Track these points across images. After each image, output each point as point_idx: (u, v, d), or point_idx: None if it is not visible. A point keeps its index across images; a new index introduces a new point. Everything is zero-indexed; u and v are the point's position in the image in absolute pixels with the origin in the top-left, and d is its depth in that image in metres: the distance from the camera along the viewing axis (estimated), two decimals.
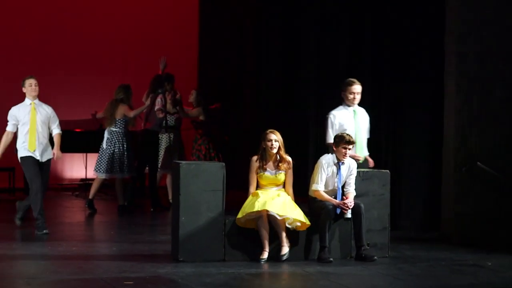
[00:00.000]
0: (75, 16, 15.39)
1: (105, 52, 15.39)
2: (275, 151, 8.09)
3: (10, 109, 14.68)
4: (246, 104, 14.55)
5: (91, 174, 13.06)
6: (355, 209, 8.14)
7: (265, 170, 8.11)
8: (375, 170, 8.63)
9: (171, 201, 10.48)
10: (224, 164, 8.20)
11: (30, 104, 9.66)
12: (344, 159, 8.23)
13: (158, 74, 11.99)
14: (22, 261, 7.73)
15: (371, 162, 8.94)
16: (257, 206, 7.85)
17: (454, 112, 9.60)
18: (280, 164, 8.12)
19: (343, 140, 8.20)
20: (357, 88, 8.77)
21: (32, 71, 14.88)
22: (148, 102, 11.74)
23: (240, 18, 14.84)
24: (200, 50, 16.12)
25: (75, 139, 14.04)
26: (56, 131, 9.76)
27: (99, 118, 12.34)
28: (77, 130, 14.12)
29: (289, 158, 8.19)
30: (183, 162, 8.28)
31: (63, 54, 15.29)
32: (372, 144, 9.14)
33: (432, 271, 7.75)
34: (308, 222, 8.00)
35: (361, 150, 8.77)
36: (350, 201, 8.11)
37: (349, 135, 8.26)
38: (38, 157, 9.54)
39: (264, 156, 8.14)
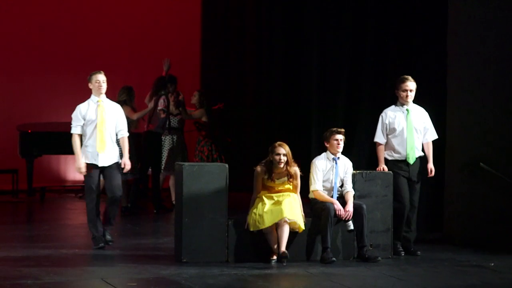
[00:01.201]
0: (79, 18, 15.44)
1: (108, 54, 15.40)
2: (282, 165, 7.99)
3: (13, 107, 14.83)
4: (249, 105, 14.57)
5: None
6: (357, 210, 8.17)
7: (272, 180, 8.04)
8: (378, 171, 8.61)
9: (174, 202, 10.49)
10: (227, 165, 8.21)
11: (97, 102, 8.74)
12: (338, 150, 8.28)
13: (161, 75, 12.03)
14: (26, 263, 7.72)
15: (430, 170, 8.71)
16: (268, 221, 7.83)
17: (457, 113, 9.62)
18: (287, 177, 8.05)
19: (331, 132, 8.29)
20: (409, 85, 8.52)
21: (35, 72, 15.09)
22: (151, 105, 11.76)
23: (242, 20, 14.85)
24: (202, 52, 16.14)
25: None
26: (123, 133, 8.84)
27: None
28: None
29: (296, 170, 8.10)
30: (186, 163, 8.28)
31: (67, 56, 15.33)
32: (374, 144, 9.09)
33: (435, 272, 7.75)
34: (302, 227, 8.00)
35: (412, 150, 8.54)
36: (348, 209, 8.14)
37: (336, 128, 8.35)
38: (102, 162, 8.66)
39: (271, 168, 8.04)
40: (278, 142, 8.05)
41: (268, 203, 7.93)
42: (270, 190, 8.07)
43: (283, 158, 7.95)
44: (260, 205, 7.95)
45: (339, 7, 11.52)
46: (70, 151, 14.24)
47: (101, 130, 8.60)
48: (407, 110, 8.55)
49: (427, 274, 7.64)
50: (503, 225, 9.09)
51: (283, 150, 7.97)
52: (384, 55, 10.84)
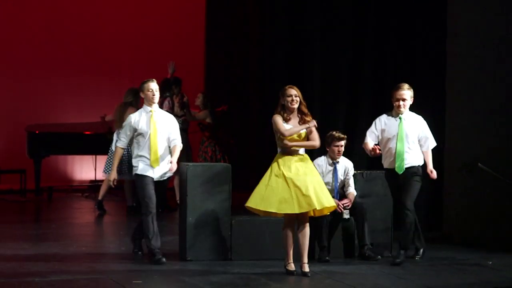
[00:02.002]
0: (84, 20, 15.45)
1: (113, 56, 15.47)
2: (296, 106, 7.48)
3: (20, 108, 14.92)
4: (252, 107, 14.61)
5: (100, 175, 13.16)
6: (358, 210, 8.24)
7: (288, 121, 7.49)
8: (378, 171, 8.68)
9: (178, 202, 10.58)
10: (230, 165, 8.30)
11: (150, 112, 8.12)
12: (338, 157, 8.31)
13: (166, 77, 12.15)
14: (33, 261, 7.78)
15: (431, 171, 8.21)
16: (296, 207, 7.22)
17: (456, 113, 9.67)
18: (304, 117, 7.49)
19: (333, 138, 8.25)
20: (402, 93, 8.05)
21: (41, 75, 15.17)
22: None
23: (246, 23, 14.89)
24: (206, 54, 16.17)
25: (85, 141, 14.14)
26: (176, 142, 8.10)
27: (108, 121, 12.44)
28: (87, 132, 14.21)
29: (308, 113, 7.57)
30: (190, 163, 8.38)
31: (72, 58, 15.36)
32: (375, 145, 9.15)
33: (434, 270, 7.82)
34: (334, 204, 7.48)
35: (401, 160, 8.00)
36: (345, 202, 8.19)
37: (338, 132, 8.26)
38: (156, 175, 8.04)
39: (284, 112, 7.54)
40: (288, 85, 7.62)
41: (291, 185, 7.28)
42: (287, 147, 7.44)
43: (296, 99, 7.47)
44: (279, 183, 7.32)
45: (340, 11, 11.57)
46: (77, 151, 14.50)
47: (154, 142, 7.98)
48: (400, 118, 8.09)
49: (426, 273, 7.68)
50: (501, 224, 9.13)
51: (294, 91, 7.50)
52: (384, 59, 10.88)
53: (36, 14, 15.27)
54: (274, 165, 7.42)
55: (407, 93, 8.06)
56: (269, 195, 7.29)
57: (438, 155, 10.06)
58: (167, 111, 11.85)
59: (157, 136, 7.96)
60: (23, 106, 15.04)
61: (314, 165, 7.83)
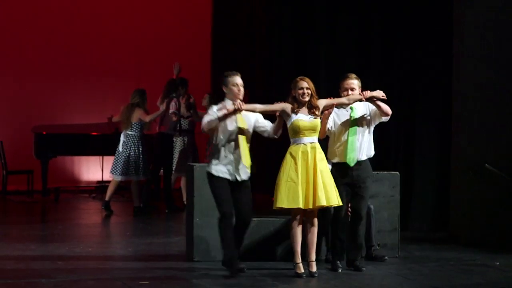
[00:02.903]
0: (90, 22, 15.52)
1: (120, 58, 15.53)
2: (307, 99, 7.30)
3: (28, 109, 14.97)
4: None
5: (107, 176, 13.21)
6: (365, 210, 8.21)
7: (297, 113, 7.29)
8: (385, 172, 8.69)
9: (185, 202, 10.60)
10: None
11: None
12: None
13: (172, 78, 12.17)
14: (40, 262, 7.80)
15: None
16: (301, 202, 7.14)
17: (463, 115, 9.66)
18: (313, 110, 7.31)
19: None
20: (351, 83, 7.66)
21: (48, 76, 15.22)
22: (163, 107, 11.88)
23: (252, 24, 14.91)
24: (213, 55, 16.20)
25: (92, 142, 14.20)
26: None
27: (115, 122, 12.47)
28: (94, 133, 14.27)
29: (320, 102, 7.38)
30: (197, 164, 8.38)
31: (79, 59, 15.43)
32: (382, 146, 9.16)
33: (441, 271, 7.80)
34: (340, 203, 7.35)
35: (353, 152, 7.62)
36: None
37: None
38: (236, 177, 7.36)
39: (294, 104, 7.35)
40: (300, 77, 7.40)
41: (300, 181, 7.20)
42: (300, 136, 7.30)
43: (307, 91, 7.29)
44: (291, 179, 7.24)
45: (346, 12, 11.59)
46: (84, 152, 14.54)
47: (243, 140, 7.34)
48: (351, 108, 7.67)
49: (433, 273, 7.67)
50: (508, 224, 9.12)
51: (306, 84, 7.31)
52: (391, 60, 10.89)
53: (43, 16, 15.35)
54: (288, 158, 7.34)
55: (355, 82, 7.68)
56: (291, 191, 7.20)
57: (445, 155, 10.08)
58: (173, 112, 11.98)
59: (245, 134, 7.36)
60: (30, 107, 15.11)
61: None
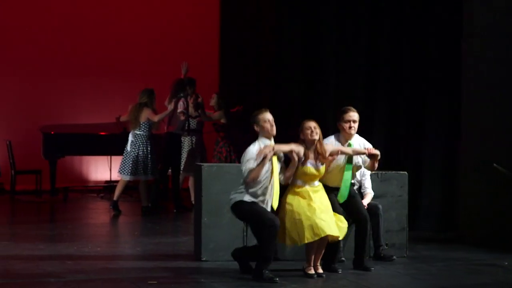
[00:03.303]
0: (98, 21, 15.56)
1: (128, 57, 15.56)
2: (316, 137, 7.23)
3: (36, 109, 15.00)
4: (267, 107, 14.58)
5: (115, 176, 13.25)
6: (373, 210, 8.21)
7: (305, 163, 7.25)
8: (394, 172, 8.69)
9: (193, 202, 10.61)
10: None
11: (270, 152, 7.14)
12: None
13: (180, 78, 12.19)
14: (49, 261, 7.82)
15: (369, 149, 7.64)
16: (311, 236, 7.14)
17: (472, 114, 9.66)
18: (320, 157, 7.28)
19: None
20: (352, 115, 7.68)
21: (56, 76, 15.27)
22: (171, 107, 11.90)
23: (260, 23, 14.92)
24: (221, 55, 16.21)
25: (100, 142, 14.23)
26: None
27: (123, 122, 12.49)
28: (102, 133, 14.30)
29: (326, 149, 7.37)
30: (205, 164, 8.38)
31: (87, 59, 15.46)
32: (390, 146, 9.15)
33: (449, 271, 7.81)
34: (341, 236, 7.39)
35: (347, 190, 7.64)
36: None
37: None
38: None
39: (304, 148, 7.29)
40: (306, 119, 7.38)
41: (303, 215, 7.21)
42: (303, 184, 7.32)
43: (315, 130, 7.22)
44: (295, 214, 7.24)
45: (355, 14, 11.58)
46: (92, 152, 14.58)
47: (276, 179, 7.18)
48: (349, 144, 7.68)
49: (441, 273, 7.68)
50: None
51: (313, 123, 7.27)
52: (400, 58, 10.89)
53: (50, 16, 15.39)
54: (291, 197, 7.33)
55: (356, 115, 7.71)
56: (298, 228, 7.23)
57: (453, 155, 10.07)
58: (181, 111, 12.00)
59: (277, 173, 7.22)
60: (38, 107, 15.15)
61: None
